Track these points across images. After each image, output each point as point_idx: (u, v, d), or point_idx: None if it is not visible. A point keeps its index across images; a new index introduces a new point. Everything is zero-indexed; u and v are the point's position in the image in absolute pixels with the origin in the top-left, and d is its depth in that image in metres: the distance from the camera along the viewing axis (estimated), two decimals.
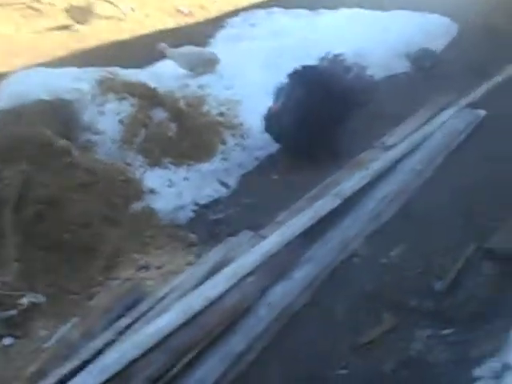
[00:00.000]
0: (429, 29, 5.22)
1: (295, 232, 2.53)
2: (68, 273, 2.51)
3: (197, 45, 5.17)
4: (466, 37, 5.35)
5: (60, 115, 3.25)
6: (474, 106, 3.86)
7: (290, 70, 3.41)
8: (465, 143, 3.43)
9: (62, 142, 2.86)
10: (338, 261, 2.50)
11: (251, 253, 2.40)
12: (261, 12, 6.11)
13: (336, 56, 3.40)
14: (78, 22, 5.93)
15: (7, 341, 2.25)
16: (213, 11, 6.60)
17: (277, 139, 3.31)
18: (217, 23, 5.97)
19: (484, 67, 4.62)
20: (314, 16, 5.69)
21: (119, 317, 2.27)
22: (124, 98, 3.33)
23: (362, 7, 5.86)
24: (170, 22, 6.33)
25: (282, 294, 2.28)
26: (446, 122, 3.58)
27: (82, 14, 5.97)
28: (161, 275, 2.53)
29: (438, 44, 5.11)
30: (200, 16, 6.48)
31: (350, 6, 5.92)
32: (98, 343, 2.10)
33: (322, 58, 3.42)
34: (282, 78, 3.34)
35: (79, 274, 2.51)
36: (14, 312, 2.33)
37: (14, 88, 3.42)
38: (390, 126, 3.60)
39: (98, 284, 2.49)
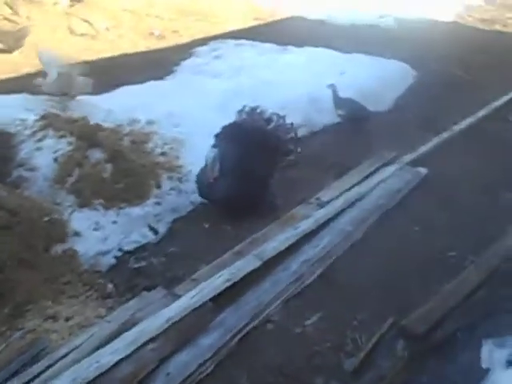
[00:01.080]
0: (385, 75, 5.18)
1: (208, 294, 2.42)
2: None
3: (163, 72, 5.12)
4: (422, 85, 5.31)
5: None
6: (416, 163, 3.79)
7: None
8: (401, 204, 3.34)
9: None
10: (251, 327, 2.37)
11: (157, 316, 2.28)
12: (229, 43, 6.05)
13: (253, 109, 3.39)
14: (8, 48, 5.62)
15: None
16: (184, 37, 6.54)
17: (209, 199, 3.20)
18: (185, 50, 5.90)
19: (435, 120, 4.57)
20: (279, 53, 5.64)
21: (15, 374, 2.15)
22: (63, 136, 3.21)
23: (326, 46, 5.85)
24: (141, 45, 6.24)
25: (184, 363, 2.15)
26: (385, 180, 3.51)
27: (14, 40, 5.66)
28: (67, 327, 2.38)
29: (393, 91, 5.06)
30: (171, 40, 6.41)
31: (315, 45, 5.92)
32: None
33: (240, 112, 3.40)
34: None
35: None
36: None
37: None
38: (329, 179, 3.54)
39: None
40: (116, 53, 5.84)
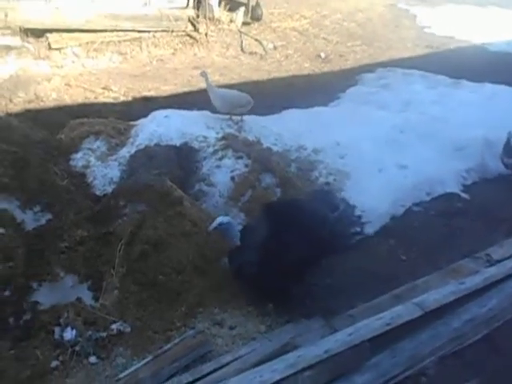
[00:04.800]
0: None
1: (366, 334, 2.59)
2: (154, 311, 2.90)
3: (328, 98, 5.48)
4: None
5: (185, 163, 3.76)
6: None
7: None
8: None
9: (177, 193, 3.30)
10: (404, 376, 2.50)
11: (316, 345, 2.54)
12: (398, 72, 6.18)
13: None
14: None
15: (92, 359, 2.68)
16: (350, 61, 6.84)
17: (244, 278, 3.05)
18: (350, 76, 6.19)
19: None
20: (453, 87, 5.59)
21: (186, 367, 2.61)
22: (240, 157, 3.72)
23: (509, 84, 5.64)
24: (307, 67, 6.70)
25: None
26: None
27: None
28: (231, 336, 2.79)
29: None
30: (336, 64, 6.76)
31: (496, 81, 5.73)
32: None
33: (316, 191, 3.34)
34: None
35: (163, 315, 2.88)
36: (103, 334, 2.78)
37: (152, 129, 4.02)
38: (499, 235, 3.47)
39: (176, 329, 2.83)
40: (282, 74, 6.40)
